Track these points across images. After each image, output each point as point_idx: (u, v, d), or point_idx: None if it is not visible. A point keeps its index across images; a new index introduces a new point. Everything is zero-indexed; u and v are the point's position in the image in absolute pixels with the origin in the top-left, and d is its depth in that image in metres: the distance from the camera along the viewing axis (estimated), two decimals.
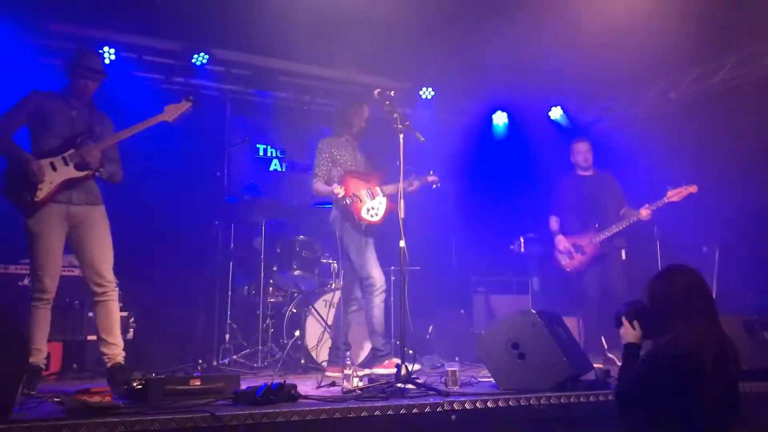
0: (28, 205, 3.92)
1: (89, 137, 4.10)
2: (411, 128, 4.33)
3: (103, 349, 4.04)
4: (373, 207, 5.07)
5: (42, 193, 3.91)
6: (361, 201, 5.01)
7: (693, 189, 5.65)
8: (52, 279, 3.94)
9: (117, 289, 4.13)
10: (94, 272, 4.03)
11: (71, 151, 4.02)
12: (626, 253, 5.98)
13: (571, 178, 6.23)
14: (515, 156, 8.13)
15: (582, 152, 6.10)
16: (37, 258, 3.92)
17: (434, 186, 5.32)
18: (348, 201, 4.97)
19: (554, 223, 6.24)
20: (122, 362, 4.05)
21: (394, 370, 4.46)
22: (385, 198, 5.12)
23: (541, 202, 7.37)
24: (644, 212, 5.75)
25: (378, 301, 5.00)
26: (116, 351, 4.05)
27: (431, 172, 5.30)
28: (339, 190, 4.92)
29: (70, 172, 4.00)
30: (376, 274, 5.04)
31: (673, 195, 5.66)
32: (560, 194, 6.26)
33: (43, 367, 4.03)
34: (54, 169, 3.96)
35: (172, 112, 4.24)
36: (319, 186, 5.12)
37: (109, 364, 4.03)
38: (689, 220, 6.54)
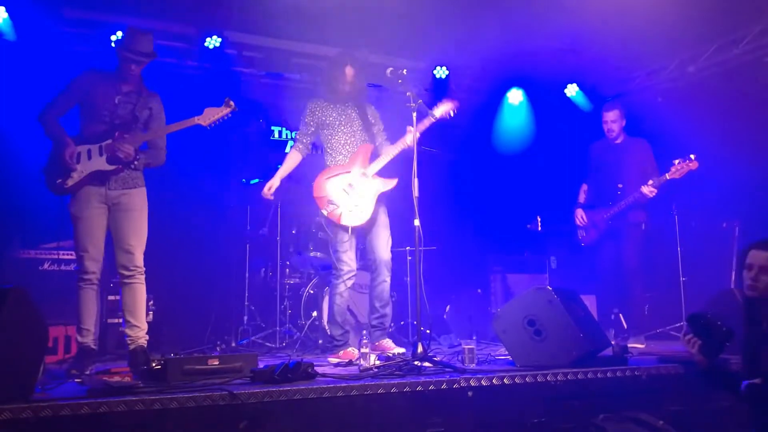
0: (58, 188, 4.02)
1: (130, 128, 4.12)
2: (424, 106, 4.30)
3: (127, 330, 4.10)
4: (356, 205, 4.61)
5: (72, 181, 4.01)
6: (337, 207, 4.59)
7: (693, 166, 5.35)
8: (93, 260, 4.01)
9: (143, 275, 4.16)
10: (125, 256, 4.08)
11: (109, 141, 4.06)
12: (646, 227, 5.79)
13: (598, 146, 6.04)
14: (532, 133, 8.06)
15: (606, 122, 5.85)
16: (78, 240, 4.03)
17: (452, 113, 4.59)
18: (325, 212, 4.61)
19: (582, 193, 6.13)
20: (144, 345, 4.10)
21: (346, 360, 4.30)
22: (375, 180, 4.69)
23: (560, 179, 7.34)
24: (645, 189, 5.46)
25: (342, 288, 4.66)
26: (140, 334, 4.10)
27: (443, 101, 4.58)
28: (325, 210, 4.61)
29: (102, 164, 4.05)
30: (345, 258, 4.65)
31: (675, 172, 5.39)
32: (587, 162, 6.13)
33: (95, 347, 4.11)
34: (89, 157, 4.04)
35: (209, 116, 4.17)
36: (291, 155, 4.87)
37: (131, 347, 4.07)
38: (710, 195, 6.46)
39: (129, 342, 4.09)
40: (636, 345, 5.41)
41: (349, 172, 4.70)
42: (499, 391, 3.43)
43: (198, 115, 4.16)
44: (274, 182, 4.83)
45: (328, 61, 5.20)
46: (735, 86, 6.72)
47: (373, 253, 4.75)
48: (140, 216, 4.16)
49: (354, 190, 4.66)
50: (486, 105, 8.07)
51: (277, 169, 6.18)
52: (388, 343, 4.71)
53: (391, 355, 4.33)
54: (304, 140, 4.92)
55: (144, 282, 4.15)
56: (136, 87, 4.21)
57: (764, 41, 6.51)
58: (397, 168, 5.13)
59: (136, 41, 4.09)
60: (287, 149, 7.51)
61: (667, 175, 5.44)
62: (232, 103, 4.19)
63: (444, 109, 4.56)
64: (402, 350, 4.60)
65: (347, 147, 4.81)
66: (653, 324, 6.34)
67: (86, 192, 4.03)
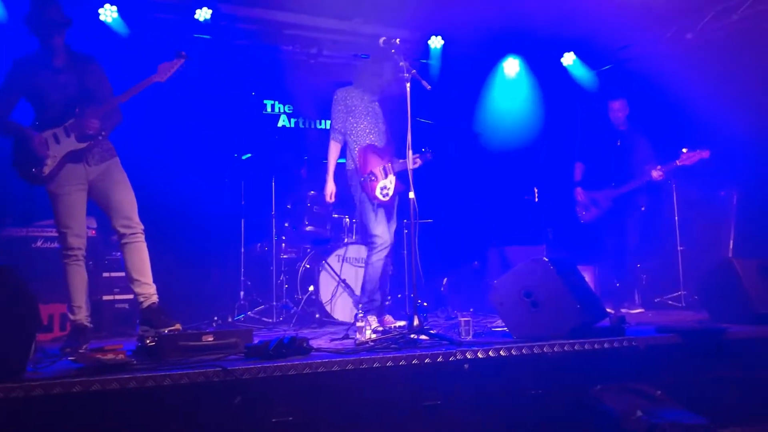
0: (35, 178, 3.97)
1: (85, 102, 4.04)
2: (417, 76, 4.22)
3: (137, 289, 4.07)
4: (386, 186, 4.94)
5: (48, 168, 3.95)
6: (377, 179, 4.90)
7: (705, 154, 5.67)
8: (76, 236, 3.98)
9: (144, 233, 4.13)
10: (122, 216, 4.06)
11: (71, 120, 4.01)
12: (646, 209, 6.00)
13: (603, 130, 6.25)
14: (528, 104, 7.97)
15: (614, 110, 6.13)
16: (59, 217, 4.00)
17: (428, 157, 5.13)
18: (364, 179, 4.88)
19: (578, 171, 6.29)
20: (157, 302, 4.08)
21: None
22: (394, 177, 4.99)
23: (557, 151, 7.27)
24: (655, 173, 5.78)
25: (375, 258, 4.91)
26: (150, 290, 4.08)
27: (426, 149, 5.12)
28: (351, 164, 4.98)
29: (73, 143, 4.01)
30: (380, 231, 4.91)
31: (685, 159, 5.69)
32: (590, 143, 6.31)
33: (89, 324, 4.06)
34: (57, 141, 3.98)
35: (164, 71, 4.10)
36: (333, 149, 5.02)
37: (145, 304, 4.05)
38: (707, 162, 6.41)
39: (142, 300, 4.06)
40: (634, 311, 5.54)
41: (383, 158, 4.99)
42: (495, 363, 3.40)
43: (153, 74, 4.09)
44: (330, 186, 5.03)
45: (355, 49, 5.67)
46: (733, 53, 6.63)
47: None
48: (126, 182, 4.16)
49: (387, 176, 4.97)
50: (482, 75, 7.97)
51: (274, 145, 6.15)
52: (389, 317, 5.00)
53: (391, 327, 4.35)
54: (340, 127, 5.02)
55: (144, 240, 4.13)
56: (69, 57, 4.10)
57: (763, 7, 6.40)
58: (392, 139, 5.09)
59: (49, 12, 3.98)
60: (279, 123, 7.44)
61: (677, 161, 5.73)
62: (183, 53, 4.15)
63: (428, 156, 5.09)
64: (403, 323, 4.70)
65: (371, 136, 4.98)
66: (651, 293, 6.35)
67: (65, 171, 3.99)
